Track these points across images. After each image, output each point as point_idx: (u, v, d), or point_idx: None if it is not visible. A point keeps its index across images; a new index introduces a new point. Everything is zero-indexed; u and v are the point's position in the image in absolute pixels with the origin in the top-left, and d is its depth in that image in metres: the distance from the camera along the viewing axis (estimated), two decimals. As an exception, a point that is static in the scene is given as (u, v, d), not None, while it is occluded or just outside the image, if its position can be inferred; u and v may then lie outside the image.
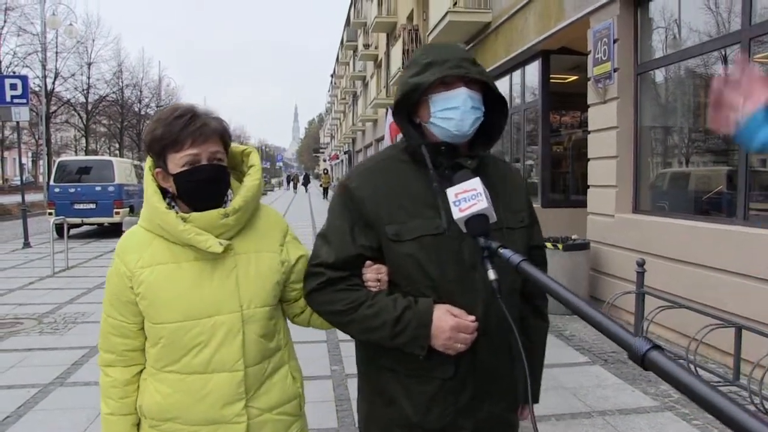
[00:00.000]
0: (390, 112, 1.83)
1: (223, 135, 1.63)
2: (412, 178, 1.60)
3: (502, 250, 1.29)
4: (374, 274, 1.59)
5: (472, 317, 1.53)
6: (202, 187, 1.60)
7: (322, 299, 1.64)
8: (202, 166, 1.59)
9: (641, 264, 5.23)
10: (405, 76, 1.62)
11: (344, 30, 50.29)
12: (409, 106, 1.62)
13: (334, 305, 1.61)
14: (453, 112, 1.55)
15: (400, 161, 1.65)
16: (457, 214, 1.39)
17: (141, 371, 1.69)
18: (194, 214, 1.59)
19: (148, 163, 1.66)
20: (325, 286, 1.62)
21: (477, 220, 1.37)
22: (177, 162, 1.58)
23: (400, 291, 1.58)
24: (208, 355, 1.60)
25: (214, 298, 1.60)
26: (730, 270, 4.92)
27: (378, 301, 1.56)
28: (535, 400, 1.84)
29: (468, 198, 1.39)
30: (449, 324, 1.50)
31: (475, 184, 1.41)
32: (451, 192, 1.43)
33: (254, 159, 1.76)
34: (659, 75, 6.55)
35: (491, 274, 1.32)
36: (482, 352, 1.58)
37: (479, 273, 1.54)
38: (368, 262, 1.60)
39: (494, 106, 1.65)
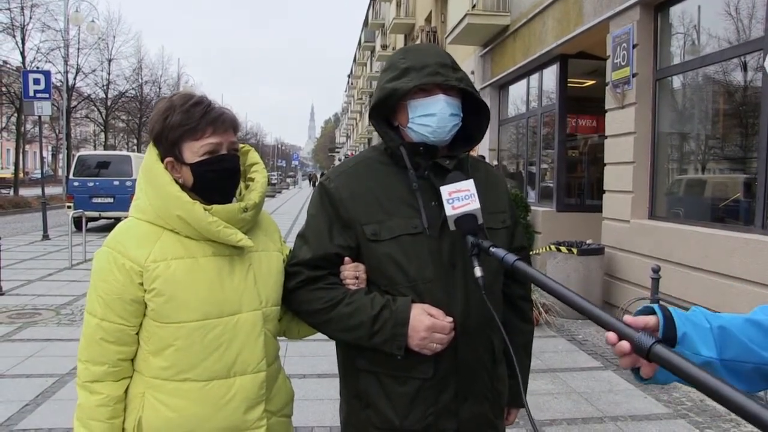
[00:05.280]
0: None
1: (236, 126, 1.59)
2: (391, 178, 1.60)
3: (494, 249, 1.32)
4: (353, 272, 1.58)
5: (450, 318, 1.52)
6: (223, 178, 1.55)
7: (300, 298, 1.62)
8: (223, 156, 1.53)
9: (656, 270, 5.20)
10: (382, 79, 1.60)
11: (362, 31, 50.40)
12: (386, 110, 1.62)
13: (312, 304, 1.59)
14: (430, 119, 1.55)
15: (380, 162, 1.64)
16: (450, 211, 1.44)
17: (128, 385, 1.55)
18: (217, 207, 1.51)
19: (152, 154, 1.55)
20: (303, 285, 1.61)
21: (467, 219, 1.43)
22: (196, 150, 1.51)
23: (379, 291, 1.56)
24: (232, 356, 1.53)
25: (236, 296, 1.54)
26: (747, 278, 4.88)
27: (355, 300, 1.54)
28: (520, 404, 1.80)
29: (461, 197, 1.45)
30: (425, 324, 1.48)
31: (469, 185, 1.46)
32: (446, 190, 1.46)
33: (255, 157, 1.71)
34: (678, 81, 6.51)
35: (478, 271, 1.36)
36: (463, 352, 1.57)
37: (458, 272, 1.55)
38: (347, 259, 1.59)
39: (476, 108, 1.65)
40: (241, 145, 1.66)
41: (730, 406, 0.77)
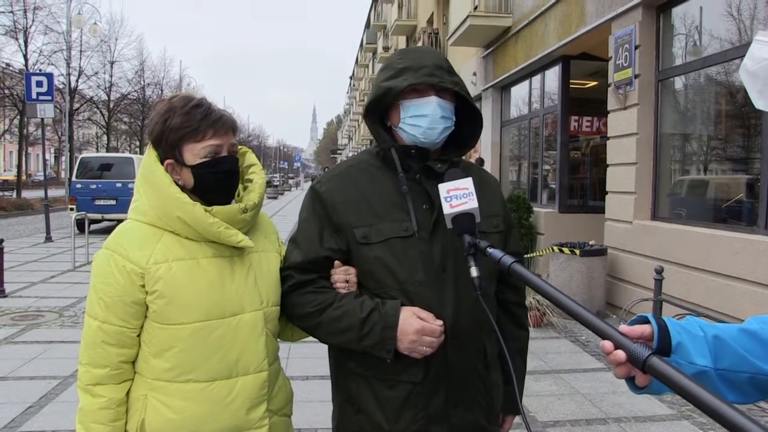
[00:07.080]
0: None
1: (235, 128, 1.60)
2: (382, 181, 1.60)
3: (491, 250, 1.29)
4: (343, 275, 1.58)
5: (440, 321, 1.51)
6: (224, 179, 1.56)
7: (291, 302, 1.63)
8: (224, 158, 1.55)
9: (659, 271, 5.19)
10: (379, 78, 1.62)
11: (364, 32, 50.47)
12: (381, 110, 1.63)
13: (303, 308, 1.59)
14: (421, 120, 1.55)
15: (372, 165, 1.64)
16: (448, 209, 1.42)
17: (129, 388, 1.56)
18: (217, 208, 1.52)
19: (151, 155, 1.56)
20: (293, 288, 1.62)
21: (465, 218, 1.40)
22: (197, 153, 1.52)
23: (369, 294, 1.56)
24: (234, 356, 1.53)
25: (237, 296, 1.55)
26: (750, 279, 4.87)
27: (345, 304, 1.54)
28: (516, 411, 1.73)
29: (460, 196, 1.42)
30: (414, 327, 1.48)
31: (468, 183, 1.44)
32: (444, 188, 1.45)
33: (253, 158, 1.72)
34: (680, 82, 6.50)
35: (474, 271, 1.34)
36: (453, 356, 1.55)
37: (449, 276, 1.54)
38: (337, 263, 1.59)
39: (470, 114, 1.65)
40: (238, 148, 1.68)
41: (727, 425, 0.76)
